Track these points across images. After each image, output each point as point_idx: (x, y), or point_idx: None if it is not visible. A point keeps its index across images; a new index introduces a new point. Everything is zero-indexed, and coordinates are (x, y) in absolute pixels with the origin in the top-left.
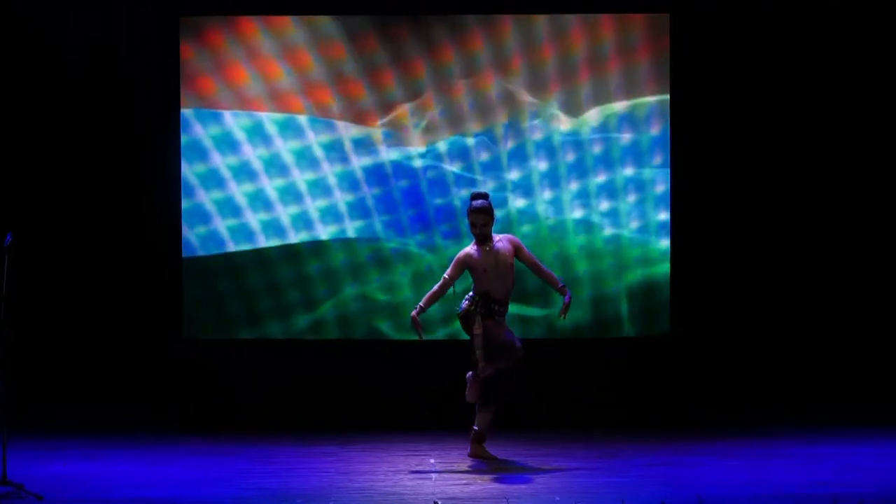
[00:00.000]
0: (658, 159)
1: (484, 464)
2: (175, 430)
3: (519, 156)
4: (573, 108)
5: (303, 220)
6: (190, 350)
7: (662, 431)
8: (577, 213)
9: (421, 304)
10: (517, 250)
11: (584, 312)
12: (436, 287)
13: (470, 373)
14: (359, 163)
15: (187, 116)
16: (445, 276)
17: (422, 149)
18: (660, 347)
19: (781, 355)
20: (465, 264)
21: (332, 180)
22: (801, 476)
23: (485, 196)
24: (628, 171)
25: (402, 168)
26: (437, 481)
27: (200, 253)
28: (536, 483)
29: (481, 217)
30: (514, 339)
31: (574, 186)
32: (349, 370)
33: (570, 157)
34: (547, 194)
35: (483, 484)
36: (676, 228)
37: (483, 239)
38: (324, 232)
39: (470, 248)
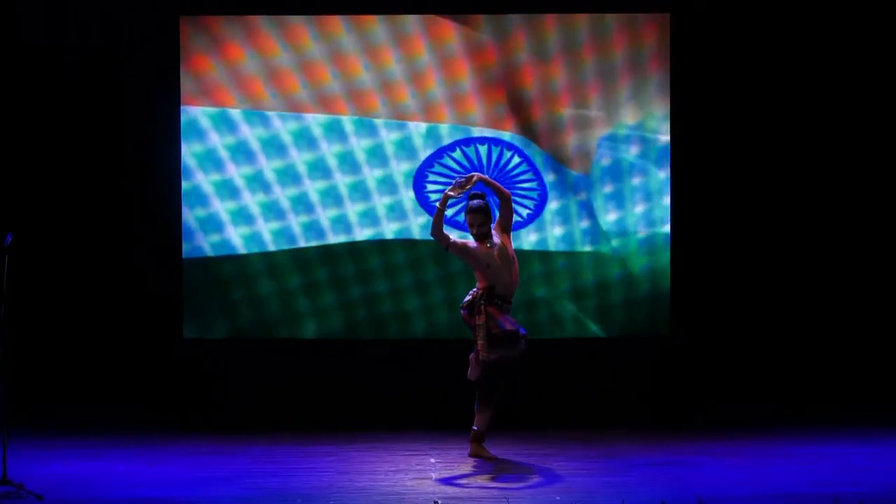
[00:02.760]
0: (658, 159)
1: (484, 464)
2: (175, 430)
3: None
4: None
5: (311, 226)
6: (190, 350)
7: (662, 431)
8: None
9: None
10: (503, 228)
11: (583, 311)
12: (441, 224)
13: (472, 353)
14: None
15: (185, 113)
16: (449, 234)
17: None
18: (660, 347)
19: (781, 355)
20: (467, 249)
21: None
22: (801, 476)
23: (481, 196)
24: (628, 174)
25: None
26: (437, 481)
27: (201, 253)
28: (536, 483)
29: (479, 217)
30: (517, 327)
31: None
32: (349, 370)
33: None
34: (554, 204)
35: (483, 484)
36: (677, 228)
37: (482, 238)
38: (330, 234)
39: (475, 243)
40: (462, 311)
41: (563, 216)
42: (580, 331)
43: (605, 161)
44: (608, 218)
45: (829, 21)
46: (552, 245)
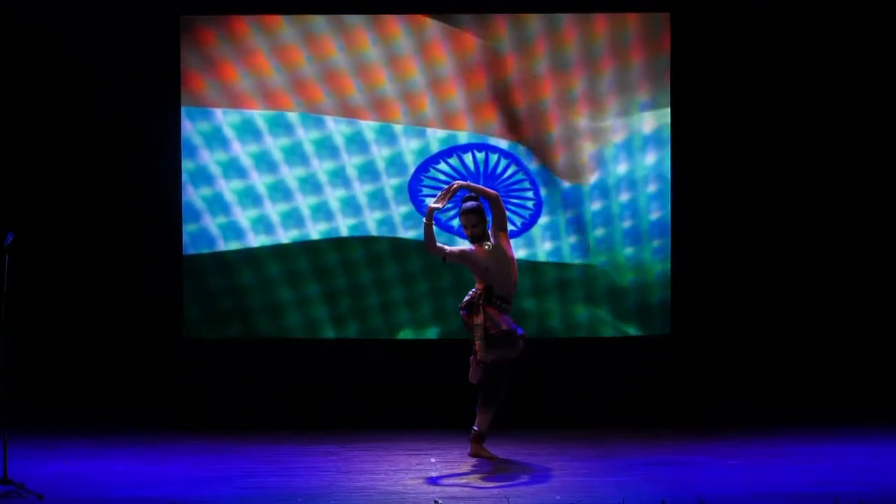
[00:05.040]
0: (659, 158)
1: (484, 463)
2: (175, 430)
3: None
4: (567, 108)
5: (318, 214)
6: (190, 350)
7: (663, 431)
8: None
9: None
10: (498, 228)
11: (584, 310)
12: (433, 237)
13: (473, 355)
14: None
15: (185, 115)
16: (444, 246)
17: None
18: (660, 347)
19: (782, 355)
20: (464, 255)
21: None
22: (801, 475)
23: (474, 198)
24: (627, 172)
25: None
26: (438, 480)
27: (203, 252)
28: (537, 482)
29: (472, 218)
30: (515, 327)
31: (564, 185)
32: (350, 370)
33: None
34: (569, 213)
35: (483, 483)
36: (677, 227)
37: (477, 239)
38: (344, 227)
39: (471, 246)
40: (461, 312)
41: (577, 224)
42: (585, 332)
43: (622, 169)
44: (624, 224)
45: (831, 20)
46: (566, 252)
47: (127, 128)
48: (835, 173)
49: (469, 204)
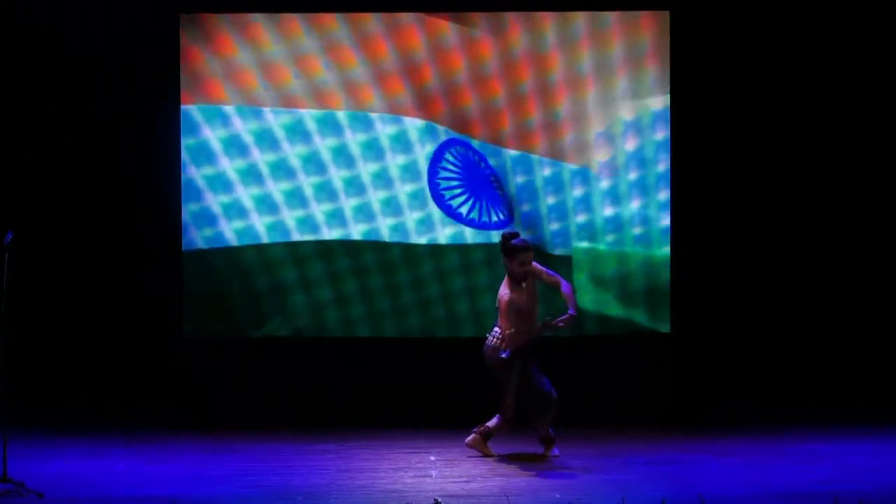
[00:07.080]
0: (659, 159)
1: (484, 462)
2: (175, 430)
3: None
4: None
5: (309, 222)
6: (190, 349)
7: (663, 430)
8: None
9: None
10: (535, 275)
11: (584, 309)
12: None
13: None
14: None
15: (187, 114)
16: (505, 328)
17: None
18: (661, 346)
19: (782, 354)
20: (514, 305)
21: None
22: (801, 475)
23: (518, 234)
24: (631, 174)
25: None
26: (438, 479)
27: (200, 250)
28: (536, 481)
29: (531, 255)
30: (548, 388)
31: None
32: (349, 368)
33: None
34: (550, 199)
35: (483, 481)
36: (677, 227)
37: (523, 276)
38: (327, 232)
39: (510, 292)
40: (498, 362)
41: (560, 211)
42: (580, 329)
43: (604, 156)
44: (606, 213)
45: (829, 17)
46: (549, 241)
47: (126, 127)
48: (835, 173)
49: (522, 241)
